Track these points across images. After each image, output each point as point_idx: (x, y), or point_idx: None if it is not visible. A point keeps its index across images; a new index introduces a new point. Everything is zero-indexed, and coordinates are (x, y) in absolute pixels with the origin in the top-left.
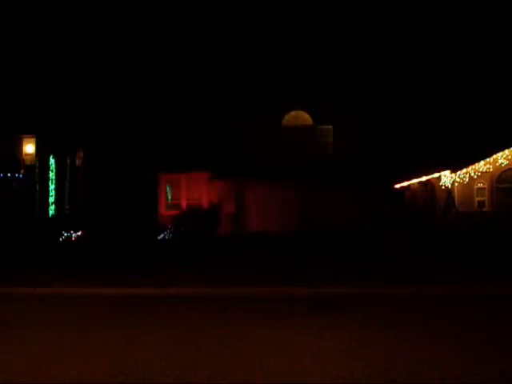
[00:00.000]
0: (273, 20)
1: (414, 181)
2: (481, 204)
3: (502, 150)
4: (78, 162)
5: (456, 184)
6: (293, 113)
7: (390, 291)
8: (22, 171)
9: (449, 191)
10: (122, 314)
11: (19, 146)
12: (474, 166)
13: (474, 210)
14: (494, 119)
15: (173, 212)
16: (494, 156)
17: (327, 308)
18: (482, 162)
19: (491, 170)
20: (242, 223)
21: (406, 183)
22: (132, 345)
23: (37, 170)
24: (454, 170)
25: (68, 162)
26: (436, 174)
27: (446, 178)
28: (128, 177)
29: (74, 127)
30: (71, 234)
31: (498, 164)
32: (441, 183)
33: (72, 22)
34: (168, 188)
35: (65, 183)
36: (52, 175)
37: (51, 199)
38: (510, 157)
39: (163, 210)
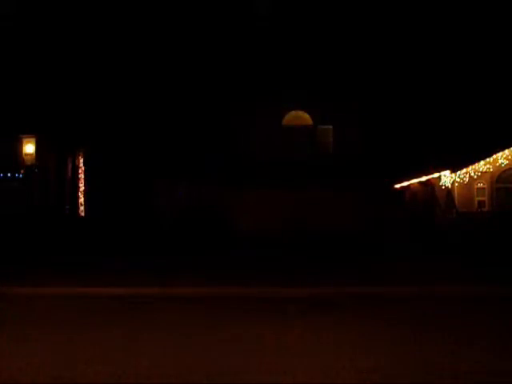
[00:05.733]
0: (273, 20)
1: (414, 181)
2: (481, 204)
3: (502, 150)
4: (77, 161)
5: (456, 184)
6: (293, 113)
7: (390, 291)
8: (21, 171)
9: (449, 191)
10: (121, 313)
11: (19, 146)
12: (473, 166)
13: (474, 210)
14: (493, 119)
15: (174, 212)
16: (494, 156)
17: (327, 308)
18: (482, 162)
19: (491, 169)
20: (240, 223)
21: (406, 183)
22: (132, 345)
23: (37, 170)
24: (453, 170)
25: (68, 162)
26: (436, 174)
27: (446, 178)
28: (128, 177)
29: (75, 127)
30: (71, 234)
31: (498, 164)
32: (441, 183)
33: (72, 22)
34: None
35: (65, 183)
36: (52, 175)
37: (51, 199)
38: (510, 157)
39: (163, 210)
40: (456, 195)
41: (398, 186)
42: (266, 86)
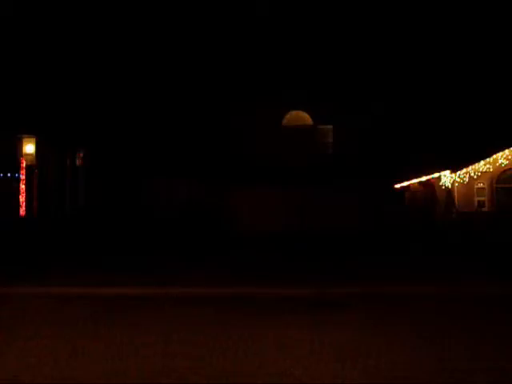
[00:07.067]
0: (273, 20)
1: (414, 181)
2: (481, 204)
3: (502, 150)
4: (78, 161)
5: (456, 184)
6: (293, 113)
7: (390, 291)
8: (22, 171)
9: (449, 191)
10: (121, 313)
11: (19, 146)
12: (473, 166)
13: (473, 210)
14: (493, 119)
15: (174, 211)
16: (494, 156)
17: (328, 308)
18: (482, 162)
19: (491, 169)
20: (240, 223)
21: (406, 183)
22: (132, 345)
23: (37, 170)
24: (454, 170)
25: (68, 162)
26: (436, 174)
27: (446, 177)
28: (127, 176)
29: (74, 127)
30: (72, 234)
31: (498, 164)
32: (441, 183)
33: (73, 23)
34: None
35: (65, 183)
36: (52, 175)
37: (51, 199)
38: (510, 157)
39: (163, 210)
40: (456, 195)
41: (398, 185)
42: (266, 86)
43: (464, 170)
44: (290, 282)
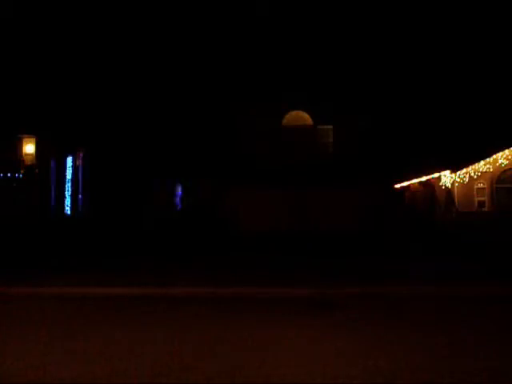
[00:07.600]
0: (273, 20)
1: (414, 181)
2: (481, 204)
3: (502, 150)
4: (78, 162)
5: (456, 184)
6: (293, 113)
7: (390, 291)
8: (21, 171)
9: (449, 191)
10: (121, 313)
11: (19, 146)
12: (473, 166)
13: (473, 210)
14: (493, 119)
15: (175, 211)
16: (494, 156)
17: (328, 308)
18: (482, 162)
19: (491, 169)
20: (240, 223)
21: (405, 183)
22: (132, 345)
23: (37, 170)
24: (454, 170)
25: (68, 162)
26: (436, 174)
27: (446, 177)
28: (128, 176)
29: (75, 127)
30: (70, 234)
31: (498, 164)
32: (441, 183)
33: (72, 23)
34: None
35: (65, 183)
36: (52, 175)
37: (51, 200)
38: (510, 157)
39: (163, 210)
40: (456, 195)
41: (398, 186)
42: (266, 87)
43: (464, 170)
44: (290, 282)
